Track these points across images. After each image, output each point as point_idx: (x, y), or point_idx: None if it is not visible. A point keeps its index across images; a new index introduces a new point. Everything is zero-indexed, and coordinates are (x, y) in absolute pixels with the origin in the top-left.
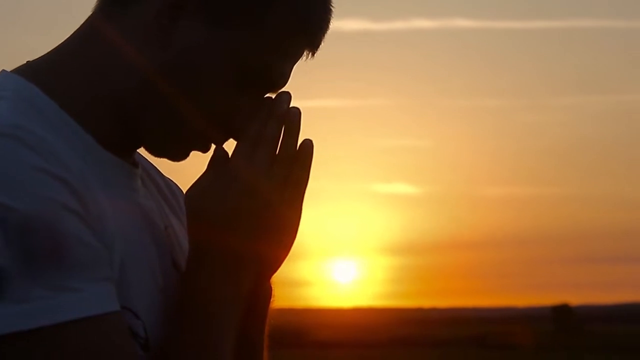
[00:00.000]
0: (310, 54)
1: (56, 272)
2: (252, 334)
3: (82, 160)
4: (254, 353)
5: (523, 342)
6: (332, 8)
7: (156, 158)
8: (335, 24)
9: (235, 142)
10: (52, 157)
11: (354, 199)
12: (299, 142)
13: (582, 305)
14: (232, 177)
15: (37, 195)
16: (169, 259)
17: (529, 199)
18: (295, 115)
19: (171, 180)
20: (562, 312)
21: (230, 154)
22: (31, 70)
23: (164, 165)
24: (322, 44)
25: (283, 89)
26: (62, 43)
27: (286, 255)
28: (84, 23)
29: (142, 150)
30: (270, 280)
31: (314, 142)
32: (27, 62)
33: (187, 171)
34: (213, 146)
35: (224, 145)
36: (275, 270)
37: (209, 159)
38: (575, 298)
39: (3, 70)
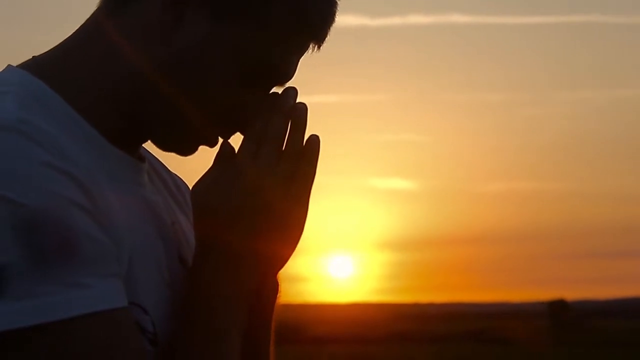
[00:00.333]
0: (316, 47)
1: (64, 267)
2: (258, 330)
3: (88, 155)
4: (260, 349)
5: (520, 337)
6: (337, 1)
7: (162, 154)
8: None
9: (241, 137)
10: (59, 151)
11: (352, 194)
12: (305, 137)
13: (580, 301)
14: (238, 173)
15: (45, 191)
16: (175, 254)
17: (527, 195)
18: (301, 111)
19: (177, 176)
20: (558, 307)
21: (236, 150)
22: (36, 65)
23: (169, 160)
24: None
25: (289, 84)
26: (67, 39)
27: (292, 251)
28: (88, 19)
29: (149, 145)
30: (277, 276)
31: None
32: (33, 57)
33: (193, 167)
34: (220, 140)
35: (229, 141)
36: (281, 267)
37: (214, 154)
38: (573, 293)
39: (9, 65)
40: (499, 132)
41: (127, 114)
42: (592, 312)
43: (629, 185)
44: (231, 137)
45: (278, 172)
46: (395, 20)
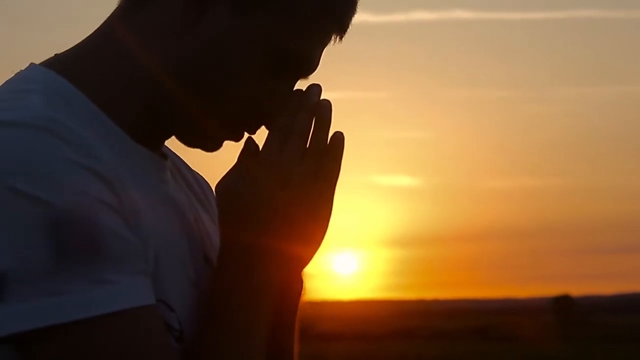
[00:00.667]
0: (338, 37)
1: (92, 265)
2: (282, 327)
3: (113, 153)
4: (285, 346)
5: (525, 333)
6: None
7: (183, 152)
8: None
9: (264, 136)
10: (86, 150)
11: (356, 191)
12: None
13: (585, 296)
14: (262, 168)
15: (73, 189)
16: (200, 252)
17: (531, 191)
18: (326, 108)
19: (199, 175)
20: (563, 303)
21: (260, 147)
22: (59, 63)
23: (189, 158)
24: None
25: (313, 82)
26: (88, 37)
27: (317, 248)
28: (108, 17)
29: (170, 143)
30: (302, 274)
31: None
32: (55, 55)
33: (214, 166)
34: (246, 136)
35: (254, 138)
36: (306, 263)
37: (224, 154)
38: (579, 289)
39: (31, 63)
40: (502, 129)
41: (150, 111)
42: (597, 307)
43: (634, 181)
44: (257, 132)
45: (303, 169)
46: (399, 17)
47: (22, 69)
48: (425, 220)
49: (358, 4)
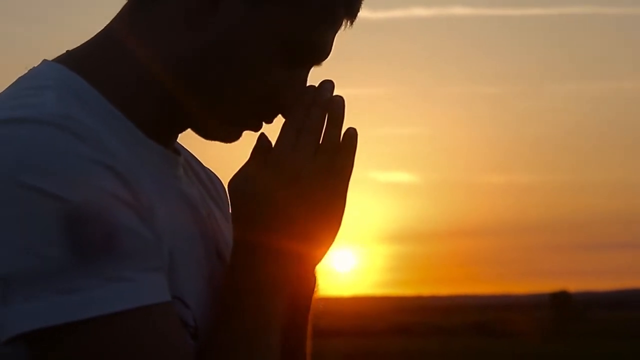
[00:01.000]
0: (349, 22)
1: (108, 262)
2: (296, 323)
3: (128, 149)
4: (298, 342)
5: (522, 328)
6: None
7: (196, 147)
8: None
9: (278, 130)
10: (101, 146)
11: (352, 187)
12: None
13: (582, 292)
14: (276, 164)
15: (89, 186)
16: (213, 248)
17: (527, 186)
18: (339, 104)
19: (211, 171)
20: (560, 299)
21: (273, 143)
22: (72, 60)
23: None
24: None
25: (326, 79)
26: (100, 32)
27: (331, 244)
28: (119, 12)
29: (181, 139)
30: (315, 270)
31: None
32: (67, 51)
33: (225, 163)
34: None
35: (266, 135)
36: (319, 260)
37: (236, 153)
38: (576, 285)
39: (44, 59)
40: (498, 124)
41: (165, 106)
42: (594, 303)
43: (632, 176)
44: (273, 121)
45: (315, 166)
46: (397, 13)
47: (35, 65)
48: (422, 216)
49: None
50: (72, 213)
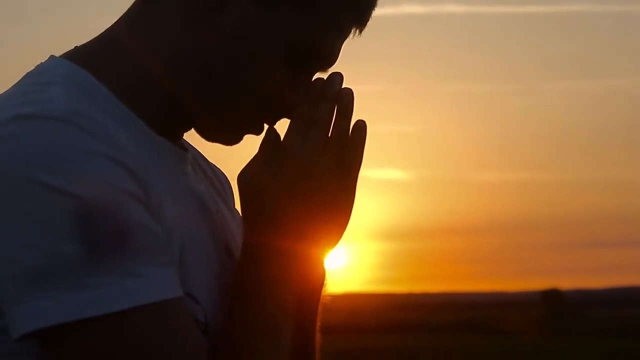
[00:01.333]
0: (358, 31)
1: (120, 258)
2: (305, 317)
3: (137, 145)
4: (307, 337)
5: (514, 326)
6: None
7: (203, 143)
8: None
9: (286, 127)
10: (112, 142)
11: None
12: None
13: (574, 290)
14: (285, 157)
15: (100, 181)
16: (222, 244)
17: (519, 184)
18: (348, 96)
19: (217, 167)
20: (552, 297)
21: (281, 137)
22: (81, 56)
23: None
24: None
25: (334, 70)
26: (108, 29)
27: (340, 237)
28: (129, 8)
29: (189, 137)
30: (323, 264)
31: None
32: (75, 47)
33: (232, 160)
34: (265, 127)
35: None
36: (329, 253)
37: (237, 152)
38: (567, 282)
39: (51, 55)
40: (490, 122)
41: (171, 104)
42: (586, 301)
43: (624, 174)
44: (277, 123)
45: (325, 159)
46: (389, 10)
47: (42, 61)
48: (414, 214)
49: None
50: (84, 209)
